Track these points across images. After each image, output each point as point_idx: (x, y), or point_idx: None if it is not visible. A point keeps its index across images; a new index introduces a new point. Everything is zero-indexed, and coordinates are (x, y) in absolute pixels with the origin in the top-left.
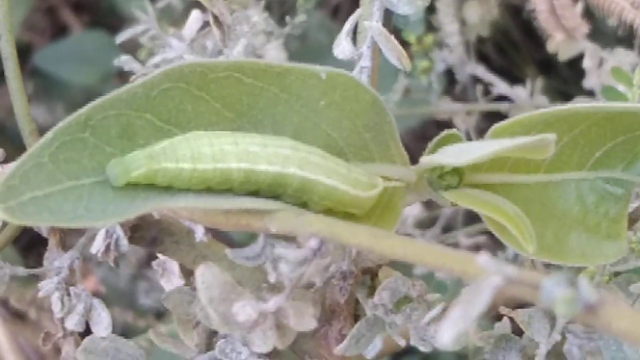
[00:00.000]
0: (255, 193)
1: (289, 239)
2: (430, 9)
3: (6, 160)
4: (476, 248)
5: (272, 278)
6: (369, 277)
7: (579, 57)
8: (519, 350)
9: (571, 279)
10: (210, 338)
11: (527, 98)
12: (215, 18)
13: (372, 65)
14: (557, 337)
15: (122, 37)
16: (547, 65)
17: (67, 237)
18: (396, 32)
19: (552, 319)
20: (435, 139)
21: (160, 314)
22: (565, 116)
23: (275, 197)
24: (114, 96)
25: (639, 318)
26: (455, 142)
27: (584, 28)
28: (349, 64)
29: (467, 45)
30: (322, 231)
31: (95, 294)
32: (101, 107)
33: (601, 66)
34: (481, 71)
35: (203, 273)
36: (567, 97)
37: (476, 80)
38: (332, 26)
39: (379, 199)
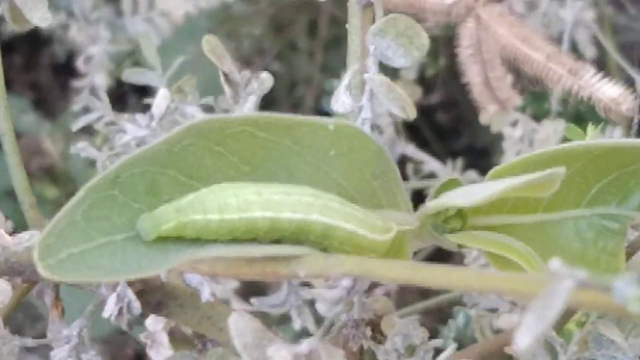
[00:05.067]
0: (278, 241)
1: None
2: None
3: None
4: None
5: (297, 324)
6: (370, 328)
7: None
8: None
9: None
10: None
11: (458, 174)
12: (225, 76)
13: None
14: None
15: (78, 124)
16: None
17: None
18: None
19: (554, 355)
20: (437, 185)
21: None
22: (561, 155)
23: (297, 244)
24: (140, 154)
25: None
26: (456, 187)
27: (516, 99)
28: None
29: (397, 126)
30: (356, 269)
31: None
32: (128, 165)
33: (530, 137)
34: (411, 150)
35: (236, 320)
36: None
37: (406, 159)
38: None
39: (391, 244)
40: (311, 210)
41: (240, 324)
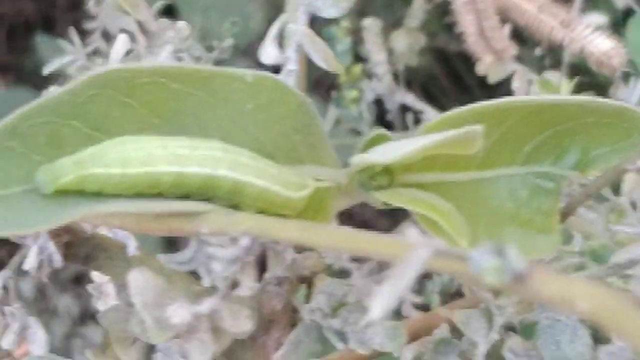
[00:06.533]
0: (186, 197)
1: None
2: (358, 40)
3: None
4: None
5: (206, 282)
6: (306, 286)
7: (498, 89)
8: (458, 353)
9: (499, 249)
10: (149, 354)
11: None
12: (140, 25)
13: (300, 70)
14: (495, 336)
15: (49, 68)
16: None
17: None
18: None
19: (489, 319)
20: (365, 139)
21: None
22: (494, 111)
23: (207, 200)
24: (41, 103)
25: (569, 283)
26: (384, 142)
27: (512, 50)
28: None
29: (396, 75)
30: (252, 228)
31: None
32: (28, 114)
33: (530, 87)
34: (411, 99)
35: (136, 277)
36: None
37: (406, 108)
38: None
39: (311, 201)
40: (219, 165)
41: (140, 281)
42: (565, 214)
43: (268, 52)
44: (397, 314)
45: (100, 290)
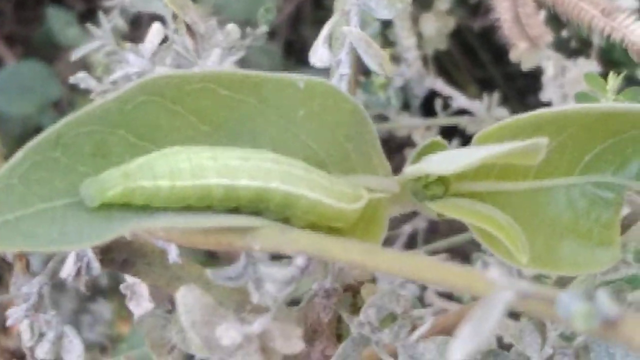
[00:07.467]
0: (235, 209)
1: (273, 256)
2: (387, 24)
3: None
4: None
5: (255, 299)
6: (350, 294)
7: (516, 75)
8: None
9: (589, 293)
10: None
11: (485, 111)
12: (188, 27)
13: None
14: (549, 351)
15: (77, 53)
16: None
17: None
18: None
19: (543, 332)
20: (419, 147)
21: (104, 348)
22: (554, 119)
23: (257, 212)
24: (86, 112)
25: None
26: (438, 150)
27: (548, 36)
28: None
29: (425, 59)
30: (310, 248)
31: None
32: (73, 124)
33: (563, 75)
34: (440, 85)
35: (184, 295)
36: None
37: (435, 94)
38: (270, 48)
39: (363, 212)
40: (271, 177)
41: (189, 299)
42: (626, 226)
43: (319, 55)
44: (420, 300)
45: (133, 291)
